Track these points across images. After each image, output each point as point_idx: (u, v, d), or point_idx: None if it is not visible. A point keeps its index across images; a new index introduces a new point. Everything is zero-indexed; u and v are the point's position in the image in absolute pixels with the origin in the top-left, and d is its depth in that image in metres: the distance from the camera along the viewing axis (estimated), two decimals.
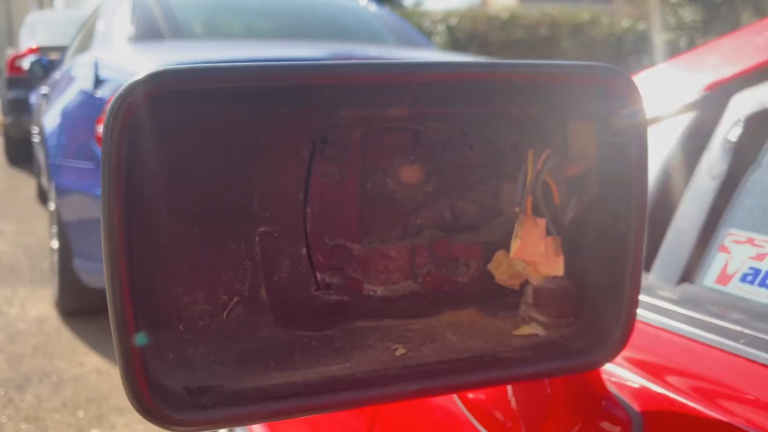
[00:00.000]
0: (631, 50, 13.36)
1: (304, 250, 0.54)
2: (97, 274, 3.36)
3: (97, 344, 3.48)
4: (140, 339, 0.41)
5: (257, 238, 0.52)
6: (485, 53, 11.40)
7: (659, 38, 13.06)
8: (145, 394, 0.40)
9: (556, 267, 0.52)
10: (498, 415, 0.68)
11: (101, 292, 3.56)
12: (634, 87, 0.51)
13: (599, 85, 0.51)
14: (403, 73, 0.47)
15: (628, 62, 12.57)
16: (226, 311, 0.50)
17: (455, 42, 12.54)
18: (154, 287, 0.46)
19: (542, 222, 0.52)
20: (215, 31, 4.31)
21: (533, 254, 0.51)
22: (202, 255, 0.49)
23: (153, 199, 0.45)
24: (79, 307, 3.77)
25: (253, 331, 0.51)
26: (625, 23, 13.85)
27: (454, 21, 12.92)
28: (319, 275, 0.54)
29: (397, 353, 0.53)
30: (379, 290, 0.57)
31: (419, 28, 11.38)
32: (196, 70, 0.40)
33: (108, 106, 0.38)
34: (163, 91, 0.39)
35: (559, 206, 0.56)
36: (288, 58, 3.54)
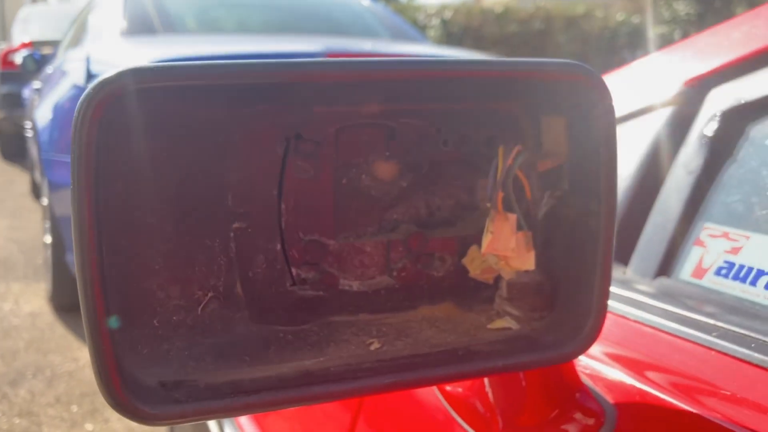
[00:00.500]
0: (626, 44, 13.37)
1: (279, 246, 0.54)
2: None
3: None
4: (113, 322, 0.42)
5: (232, 234, 0.52)
6: (479, 47, 11.39)
7: (653, 31, 13.06)
8: (117, 388, 0.41)
9: (528, 262, 0.53)
10: (475, 407, 0.69)
11: None
12: (603, 84, 0.51)
13: (569, 81, 0.52)
14: (375, 71, 0.47)
15: (622, 55, 12.59)
16: (201, 306, 0.50)
17: (449, 36, 12.52)
18: (127, 283, 0.46)
19: (513, 217, 0.53)
20: (207, 26, 4.30)
21: (504, 249, 0.52)
22: (176, 251, 0.49)
23: (125, 195, 0.46)
24: (72, 302, 3.76)
25: (228, 326, 0.52)
26: (619, 17, 13.86)
27: (448, 15, 12.91)
28: (294, 270, 0.55)
29: (372, 347, 0.53)
30: (355, 285, 0.57)
31: (413, 23, 11.37)
32: (165, 68, 0.40)
33: (78, 102, 0.39)
34: (132, 89, 0.40)
35: (532, 201, 0.57)
36: (280, 53, 3.53)
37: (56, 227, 3.52)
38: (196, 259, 0.51)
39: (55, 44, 5.77)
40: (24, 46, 6.94)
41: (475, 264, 0.60)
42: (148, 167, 0.47)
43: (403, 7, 12.90)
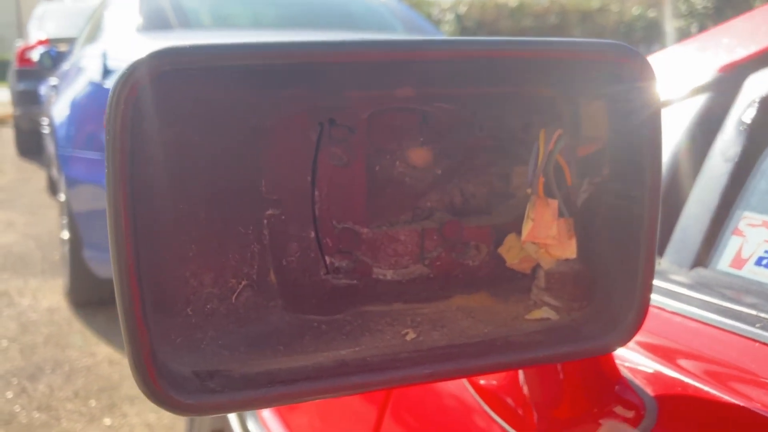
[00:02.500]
0: (642, 38, 13.25)
1: (313, 234, 0.53)
2: (107, 264, 3.37)
3: (108, 334, 3.50)
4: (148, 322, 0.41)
5: (265, 221, 0.51)
6: None
7: (670, 26, 12.92)
8: (153, 378, 0.40)
9: (569, 249, 0.51)
10: (509, 401, 0.68)
11: (112, 283, 3.58)
12: (648, 66, 0.50)
13: (612, 63, 0.50)
14: (408, 51, 0.45)
15: (638, 49, 12.46)
16: (235, 295, 0.49)
17: (464, 30, 12.48)
18: (160, 271, 0.45)
19: (554, 203, 0.51)
20: (223, 21, 4.31)
21: (545, 236, 0.50)
22: (209, 238, 0.48)
23: (158, 181, 0.44)
24: (89, 297, 3.79)
25: (261, 315, 0.50)
26: (635, 11, 13.75)
27: (462, 9, 12.87)
28: (327, 259, 0.54)
29: (408, 338, 0.52)
30: (389, 274, 0.56)
31: (428, 17, 11.34)
32: (199, 48, 0.39)
33: (111, 86, 0.38)
34: (167, 69, 0.38)
35: (572, 188, 0.55)
36: None
37: (73, 223, 3.53)
38: (230, 246, 0.49)
39: (71, 41, 5.80)
40: (40, 43, 6.97)
41: (512, 253, 0.58)
42: (180, 151, 0.46)
43: (418, 2, 12.86)
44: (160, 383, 0.40)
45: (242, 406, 0.43)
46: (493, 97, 0.57)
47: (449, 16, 12.77)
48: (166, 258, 0.46)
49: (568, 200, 0.55)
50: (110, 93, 0.38)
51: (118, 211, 0.38)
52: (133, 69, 0.38)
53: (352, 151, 0.54)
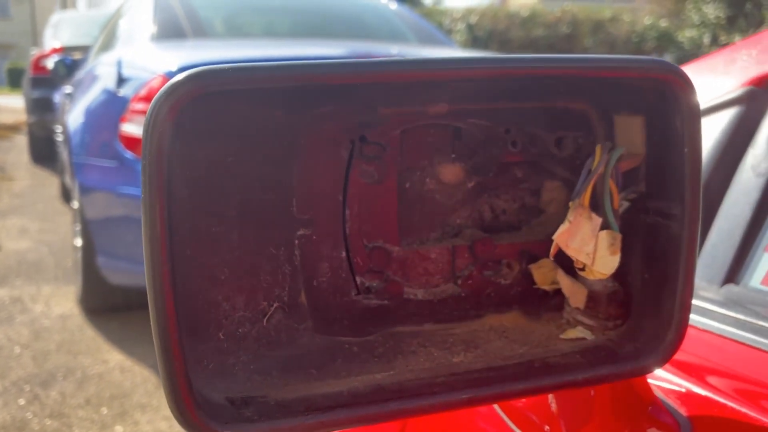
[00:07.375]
0: (653, 47, 13.22)
1: (344, 253, 0.52)
2: (120, 271, 3.38)
3: (120, 342, 3.50)
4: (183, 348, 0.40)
5: (296, 242, 0.50)
6: (505, 51, 11.33)
7: (682, 35, 12.87)
8: (188, 407, 0.39)
9: (609, 265, 0.49)
10: (537, 420, 0.66)
11: (124, 290, 3.59)
12: (690, 83, 0.49)
13: (653, 80, 0.49)
14: (445, 70, 0.45)
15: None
16: (266, 318, 0.48)
17: (475, 40, 12.49)
18: (193, 294, 0.44)
19: (597, 219, 0.50)
20: (236, 30, 4.33)
21: (579, 248, 0.48)
22: (241, 260, 0.47)
23: (191, 203, 0.44)
24: (102, 304, 3.79)
25: (293, 337, 0.49)
26: (647, 20, 13.71)
27: (474, 19, 12.88)
28: (358, 279, 0.53)
29: (442, 360, 0.51)
30: (420, 293, 0.55)
31: (439, 26, 11.36)
32: (237, 69, 0.38)
33: (149, 107, 0.37)
34: (205, 91, 0.38)
35: (615, 209, 0.53)
36: (309, 57, 3.53)
37: (87, 230, 3.54)
38: (262, 268, 0.48)
39: (85, 49, 5.84)
40: (55, 51, 7.03)
41: (541, 272, 0.57)
42: (213, 172, 0.45)
43: (429, 11, 12.88)
44: (196, 412, 0.39)
45: None
46: (525, 112, 0.56)
47: (460, 26, 12.78)
48: (199, 282, 0.45)
49: (607, 218, 0.54)
50: (148, 114, 0.37)
51: (156, 236, 0.37)
52: (172, 90, 0.37)
53: (384, 168, 0.53)
